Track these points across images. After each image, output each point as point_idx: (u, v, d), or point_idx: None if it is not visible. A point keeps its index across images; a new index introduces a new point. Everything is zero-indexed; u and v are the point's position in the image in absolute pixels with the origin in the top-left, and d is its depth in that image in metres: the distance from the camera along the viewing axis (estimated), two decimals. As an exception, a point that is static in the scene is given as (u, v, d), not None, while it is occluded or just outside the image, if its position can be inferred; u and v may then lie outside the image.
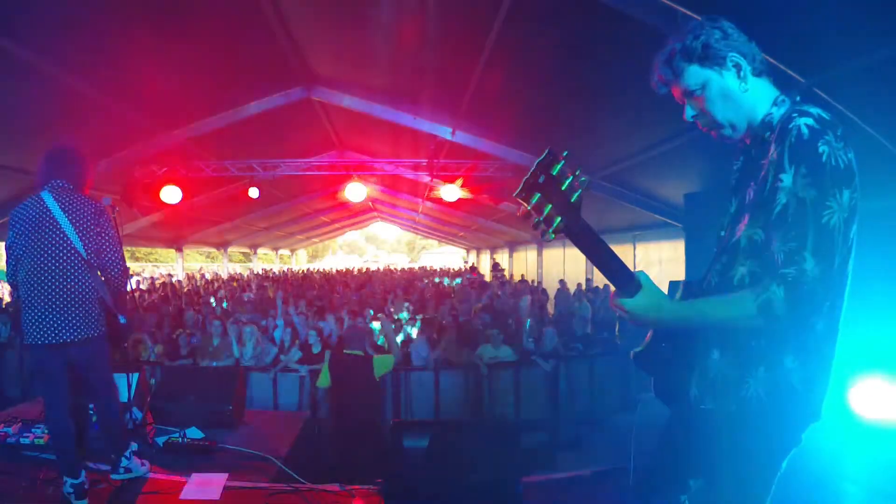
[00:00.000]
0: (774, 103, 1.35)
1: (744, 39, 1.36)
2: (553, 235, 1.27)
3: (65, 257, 2.64)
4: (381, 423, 4.91)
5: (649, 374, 1.60)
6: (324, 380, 4.85)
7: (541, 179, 1.24)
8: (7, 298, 10.35)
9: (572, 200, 1.26)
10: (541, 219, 1.26)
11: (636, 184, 7.81)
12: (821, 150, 1.20)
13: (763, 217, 1.30)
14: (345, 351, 4.80)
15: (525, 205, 1.26)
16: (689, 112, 1.42)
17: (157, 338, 7.06)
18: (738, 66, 1.34)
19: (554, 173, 1.24)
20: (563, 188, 1.25)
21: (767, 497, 1.38)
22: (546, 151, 1.25)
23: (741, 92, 1.35)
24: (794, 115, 1.25)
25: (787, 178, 1.23)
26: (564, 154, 1.26)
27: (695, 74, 1.36)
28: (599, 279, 11.59)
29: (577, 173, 1.27)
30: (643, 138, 6.21)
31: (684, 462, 1.53)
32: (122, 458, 2.91)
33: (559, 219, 1.26)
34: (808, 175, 1.20)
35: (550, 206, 1.25)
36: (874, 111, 3.60)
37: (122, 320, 2.86)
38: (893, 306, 3.10)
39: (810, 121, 1.23)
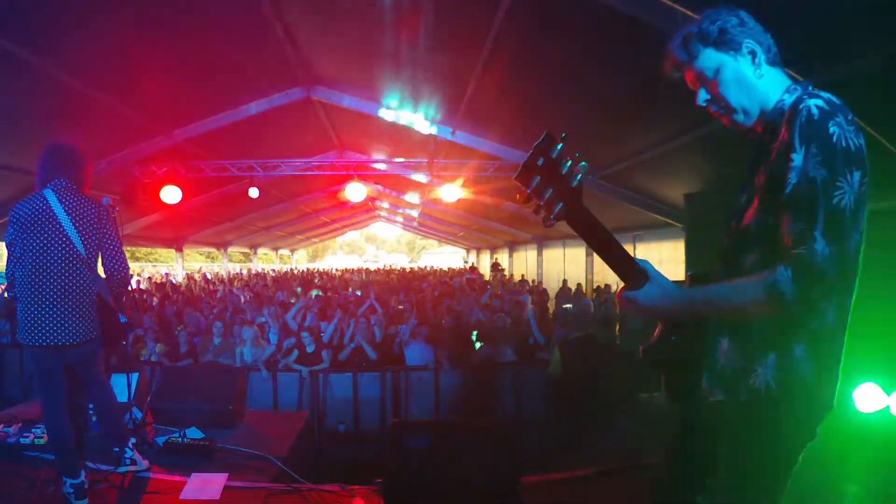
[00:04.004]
0: (787, 91, 1.35)
1: (760, 29, 1.36)
2: (554, 222, 1.25)
3: (65, 257, 2.62)
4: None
5: (659, 370, 1.57)
6: (556, 367, 5.17)
7: (539, 162, 1.22)
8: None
9: (572, 185, 1.24)
10: (541, 203, 1.24)
11: (636, 184, 7.81)
12: (831, 130, 1.20)
13: (774, 199, 1.29)
14: (570, 336, 5.07)
15: (524, 188, 1.24)
16: (701, 96, 1.41)
17: (158, 337, 7.05)
18: (753, 53, 1.35)
19: (553, 156, 1.22)
20: (563, 172, 1.23)
21: (783, 492, 1.35)
22: (544, 134, 1.23)
23: (755, 78, 1.35)
24: (805, 97, 1.26)
25: (797, 158, 1.22)
26: (563, 136, 1.23)
27: (710, 58, 1.36)
28: (601, 279, 11.59)
29: (576, 156, 1.24)
30: (643, 138, 6.21)
31: (699, 461, 1.51)
32: (127, 450, 2.91)
33: (560, 204, 1.23)
34: (819, 154, 1.19)
35: (551, 189, 1.23)
36: (875, 112, 3.59)
37: (123, 319, 2.88)
38: (894, 307, 3.10)
39: (820, 102, 1.23)
